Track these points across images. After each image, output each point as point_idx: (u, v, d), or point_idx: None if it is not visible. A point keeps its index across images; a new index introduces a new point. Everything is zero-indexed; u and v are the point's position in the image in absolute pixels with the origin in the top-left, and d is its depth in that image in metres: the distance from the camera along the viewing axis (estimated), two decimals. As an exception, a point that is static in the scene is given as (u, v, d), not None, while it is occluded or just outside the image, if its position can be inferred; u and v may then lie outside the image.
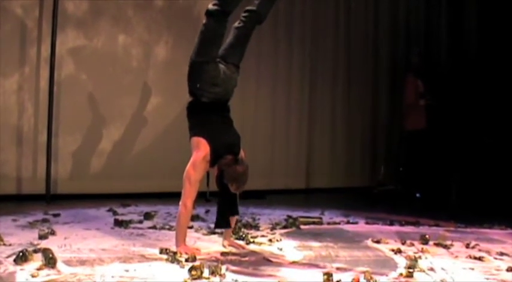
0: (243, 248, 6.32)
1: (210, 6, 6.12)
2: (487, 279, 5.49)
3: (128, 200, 9.36)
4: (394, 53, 12.86)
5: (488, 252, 6.61)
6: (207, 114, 6.17)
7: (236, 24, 6.37)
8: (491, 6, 11.97)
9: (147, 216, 8.16)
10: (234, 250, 6.23)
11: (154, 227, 7.44)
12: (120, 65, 10.34)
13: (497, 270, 5.84)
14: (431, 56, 12.70)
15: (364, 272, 5.30)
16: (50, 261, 5.24)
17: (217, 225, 6.33)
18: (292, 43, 12.02)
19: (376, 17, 12.78)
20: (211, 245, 6.51)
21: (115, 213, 8.44)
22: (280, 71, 11.85)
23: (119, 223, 7.51)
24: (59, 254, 5.57)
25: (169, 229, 7.35)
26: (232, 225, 6.43)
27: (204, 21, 6.12)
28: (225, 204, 6.22)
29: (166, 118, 10.58)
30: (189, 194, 5.97)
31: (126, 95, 10.33)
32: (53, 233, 6.70)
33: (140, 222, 7.81)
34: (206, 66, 6.08)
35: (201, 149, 5.99)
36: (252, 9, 6.38)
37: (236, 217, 6.54)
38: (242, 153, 6.21)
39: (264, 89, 11.61)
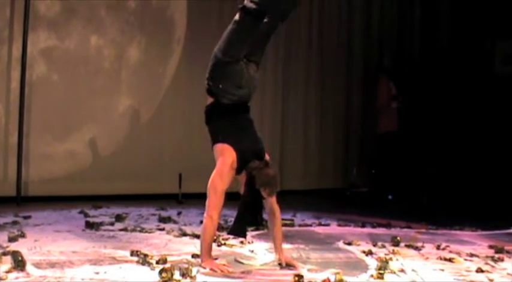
0: (296, 267, 5.71)
1: (248, 4, 5.63)
2: (457, 280, 5.52)
3: (100, 202, 9.31)
4: (366, 55, 12.89)
5: (458, 253, 6.65)
6: (230, 118, 5.74)
7: None
8: (464, 8, 12.03)
9: (119, 218, 8.11)
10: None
11: (125, 229, 7.40)
12: (92, 66, 10.28)
13: (467, 271, 5.87)
14: (403, 59, 12.74)
15: (335, 274, 5.31)
16: (19, 263, 5.19)
17: (232, 232, 5.87)
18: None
19: (349, 19, 12.80)
20: (183, 247, 6.50)
21: (86, 215, 8.39)
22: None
23: (90, 225, 7.46)
24: (29, 257, 5.53)
25: (140, 231, 7.32)
26: (280, 240, 5.93)
27: (237, 17, 5.67)
28: (247, 212, 5.68)
29: (138, 119, 10.55)
30: (214, 206, 5.56)
31: (98, 96, 10.28)
32: (23, 235, 6.65)
33: (111, 224, 7.77)
34: (233, 67, 5.67)
35: (227, 155, 5.58)
36: None
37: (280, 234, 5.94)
38: (267, 157, 5.82)
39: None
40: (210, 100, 5.86)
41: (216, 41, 11.14)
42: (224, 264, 5.53)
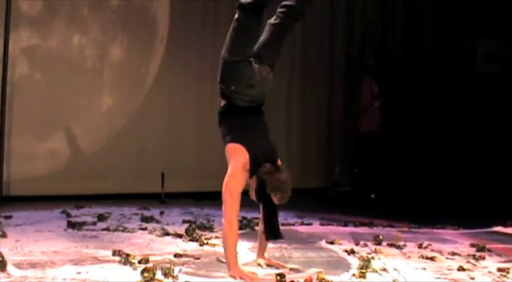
0: (283, 266, 5.72)
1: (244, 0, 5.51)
2: (438, 278, 5.55)
3: (82, 201, 9.27)
4: (349, 54, 12.88)
5: (440, 252, 6.69)
6: (243, 119, 5.60)
7: (272, 20, 5.79)
8: (447, 7, 12.05)
9: (101, 217, 8.09)
10: (189, 252, 6.19)
11: (107, 229, 7.39)
12: (75, 65, 10.24)
13: (449, 269, 5.91)
14: (386, 58, 12.75)
15: (317, 273, 5.32)
16: (0, 264, 5.17)
17: (269, 237, 5.63)
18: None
19: (332, 17, 12.79)
20: (165, 246, 6.50)
21: (68, 215, 8.36)
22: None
23: (72, 225, 7.45)
24: (10, 257, 5.51)
25: (122, 231, 7.32)
26: (265, 245, 5.90)
27: (236, 15, 5.54)
28: (271, 214, 5.50)
29: (121, 119, 10.52)
30: (232, 209, 5.34)
31: (80, 95, 10.24)
32: (4, 235, 6.63)
33: (94, 224, 7.75)
34: (241, 66, 5.53)
35: (239, 156, 5.40)
36: (290, 5, 5.75)
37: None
38: (279, 161, 5.64)
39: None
40: (222, 102, 5.76)
41: (198, 39, 11.22)
42: (253, 272, 5.39)
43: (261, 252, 5.87)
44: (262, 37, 5.73)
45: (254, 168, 5.39)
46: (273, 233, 5.53)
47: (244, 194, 5.42)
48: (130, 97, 10.64)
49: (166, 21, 10.90)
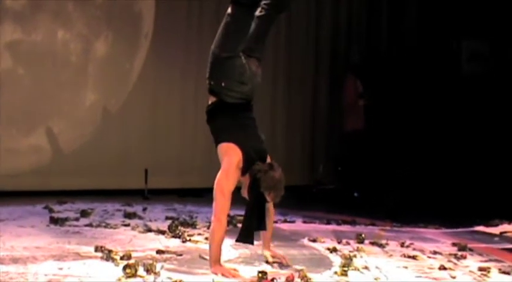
0: (287, 262, 5.72)
1: None
2: (420, 277, 5.57)
3: (65, 197, 9.25)
4: (334, 52, 12.88)
5: (422, 251, 6.71)
6: (234, 117, 5.56)
7: (257, 12, 5.60)
8: (431, 7, 12.08)
9: (84, 213, 8.09)
10: (172, 248, 6.19)
11: (90, 225, 7.40)
12: (59, 60, 10.23)
13: (430, 268, 5.93)
14: (371, 57, 12.77)
15: (299, 271, 5.33)
16: (-19, 259, 5.16)
17: (240, 239, 5.53)
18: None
19: (317, 15, 12.79)
20: (148, 243, 6.50)
21: (51, 210, 8.35)
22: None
23: (54, 221, 7.44)
24: (-8, 252, 5.51)
25: (105, 227, 7.31)
26: (269, 238, 5.87)
27: (228, 10, 5.55)
28: (254, 217, 5.50)
29: (104, 114, 10.51)
30: (222, 208, 5.32)
31: (64, 90, 10.22)
32: (-14, 230, 6.62)
33: (76, 219, 7.75)
34: (232, 62, 5.50)
35: (232, 155, 5.37)
36: None
37: (270, 232, 5.87)
38: (269, 158, 5.67)
39: (204, 84, 11.40)
40: (211, 99, 5.71)
41: (183, 36, 11.21)
42: (235, 269, 5.37)
43: (266, 244, 5.87)
44: (250, 30, 5.64)
45: (247, 166, 5.39)
46: (246, 235, 5.50)
47: (236, 191, 5.43)
48: (115, 93, 10.62)
49: (151, 18, 10.88)
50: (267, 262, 5.75)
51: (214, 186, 5.35)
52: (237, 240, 5.61)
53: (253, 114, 5.74)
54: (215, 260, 5.33)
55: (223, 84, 5.54)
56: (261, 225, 5.64)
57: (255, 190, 5.35)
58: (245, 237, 5.50)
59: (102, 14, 10.55)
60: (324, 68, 12.76)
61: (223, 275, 5.18)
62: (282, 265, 5.70)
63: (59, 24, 10.20)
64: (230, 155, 5.39)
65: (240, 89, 5.55)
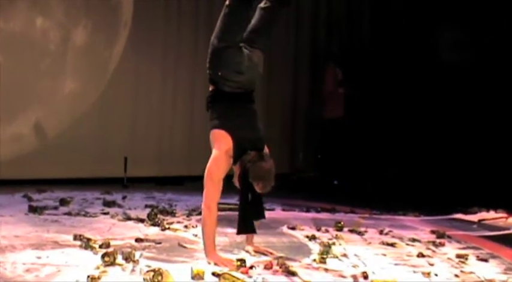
0: (271, 253, 5.69)
1: None
2: (398, 264, 5.60)
3: (44, 185, 9.22)
4: (314, 40, 12.88)
5: (400, 238, 6.75)
6: (230, 105, 5.53)
7: (262, 4, 5.68)
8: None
9: (63, 202, 8.06)
10: (151, 237, 6.18)
11: (69, 213, 7.38)
12: (38, 48, 10.17)
13: (408, 256, 5.97)
14: (351, 45, 12.77)
15: (277, 258, 5.34)
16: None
17: (239, 231, 5.60)
18: (214, 27, 11.82)
19: (297, 3, 12.77)
20: (127, 231, 6.50)
21: (30, 199, 8.33)
22: (200, 54, 11.67)
23: (33, 209, 7.41)
24: (-30, 241, 5.49)
25: (84, 215, 7.30)
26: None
27: (227, 2, 5.48)
28: (248, 206, 5.52)
29: (84, 102, 10.47)
30: (212, 195, 5.30)
31: (43, 78, 10.17)
32: (-36, 219, 6.59)
33: (55, 208, 7.73)
34: (229, 52, 5.46)
35: (222, 142, 5.36)
36: None
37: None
38: (266, 149, 5.63)
39: (184, 72, 11.45)
40: (211, 88, 5.68)
41: (162, 24, 11.19)
42: (230, 260, 5.31)
43: (249, 239, 5.86)
44: (253, 21, 5.67)
45: (238, 155, 5.37)
46: (244, 226, 5.55)
47: (227, 179, 5.44)
48: (94, 81, 10.58)
49: (130, 7, 10.84)
50: (247, 251, 5.77)
51: (205, 174, 5.33)
52: (238, 233, 5.65)
53: (254, 105, 5.70)
54: (210, 249, 5.33)
55: (220, 73, 5.52)
56: (261, 214, 5.71)
57: (246, 180, 5.34)
58: (245, 227, 5.57)
59: (81, 3, 10.49)
60: (304, 56, 12.76)
61: (217, 264, 5.17)
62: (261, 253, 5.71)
63: (37, 12, 10.14)
64: (220, 142, 5.39)
65: (237, 79, 5.52)
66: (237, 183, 5.48)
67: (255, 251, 5.74)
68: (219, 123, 5.46)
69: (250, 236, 5.83)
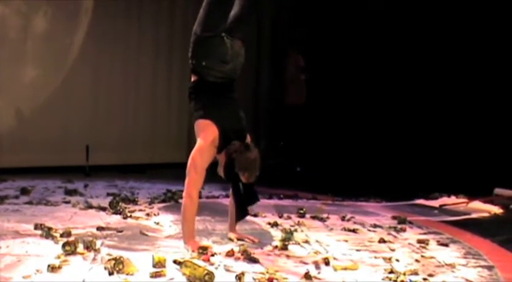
0: (254, 241, 5.74)
1: None
2: (359, 250, 5.63)
3: (5, 175, 9.13)
4: (276, 27, 12.86)
5: (362, 224, 6.81)
6: (214, 95, 5.53)
7: None
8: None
9: (24, 191, 7.99)
10: (112, 225, 6.16)
11: (30, 203, 7.31)
12: (-3, 36, 10.07)
13: (370, 241, 6.02)
14: (313, 31, 12.76)
15: (239, 246, 5.36)
16: None
17: (240, 218, 5.86)
18: (176, 13, 11.75)
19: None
20: (88, 219, 6.46)
21: (-10, 188, 8.26)
22: (161, 41, 11.64)
23: (-7, 199, 7.36)
24: None
25: (45, 204, 7.25)
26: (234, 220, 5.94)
27: None
28: (240, 194, 5.69)
29: (45, 90, 10.37)
30: (194, 184, 5.34)
31: (2, 66, 10.04)
32: None
33: (16, 197, 7.66)
34: (213, 42, 5.47)
35: (208, 132, 5.38)
36: None
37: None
38: (248, 138, 5.70)
39: (145, 59, 11.39)
40: (193, 78, 5.69)
41: (123, 11, 11.11)
42: (209, 246, 5.35)
43: (232, 226, 5.91)
44: (233, 11, 5.65)
45: (223, 144, 5.40)
46: (241, 214, 5.80)
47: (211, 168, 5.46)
48: (55, 69, 10.49)
49: (91, -7, 10.76)
50: (229, 238, 5.81)
51: (188, 162, 5.35)
52: (238, 219, 5.84)
53: (235, 94, 5.73)
54: (189, 236, 5.37)
55: (204, 63, 5.52)
56: (254, 199, 5.82)
57: (231, 170, 5.38)
58: (242, 216, 5.83)
59: (40, -11, 10.39)
60: (266, 42, 12.74)
61: (193, 251, 5.17)
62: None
63: (-4, -1, 10.03)
64: (206, 132, 5.40)
65: (222, 68, 5.54)
66: (221, 173, 5.52)
67: (237, 238, 5.78)
68: (204, 113, 5.48)
69: (232, 223, 5.90)
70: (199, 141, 5.40)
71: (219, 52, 5.50)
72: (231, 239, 5.78)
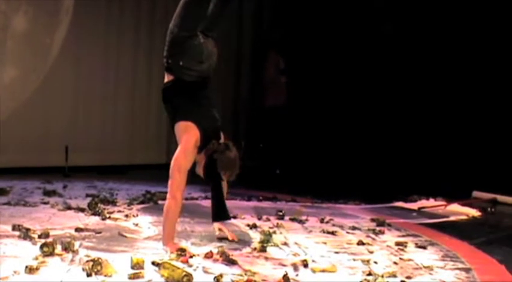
0: (234, 239, 5.80)
1: None
2: (338, 252, 5.64)
3: (-17, 175, 9.10)
4: (257, 29, 12.87)
5: (341, 226, 6.81)
6: (191, 95, 5.55)
7: None
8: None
9: (2, 192, 7.94)
10: (91, 226, 6.14)
11: (8, 203, 7.27)
12: (-24, 35, 10.02)
13: (349, 243, 6.03)
14: (293, 33, 12.77)
15: (218, 247, 5.35)
16: None
17: (217, 218, 5.89)
18: (155, 18, 11.77)
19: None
20: (67, 220, 6.44)
21: (-32, 189, 8.20)
22: (141, 41, 11.61)
23: (-29, 200, 7.32)
24: None
25: (24, 205, 7.21)
26: None
27: None
28: (220, 193, 5.84)
29: (24, 91, 10.33)
30: (178, 185, 5.33)
31: (-18, 66, 10.02)
32: None
33: (-6, 198, 7.63)
34: (191, 42, 5.49)
35: (191, 133, 5.38)
36: None
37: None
38: (222, 136, 5.74)
39: (126, 59, 11.37)
40: (168, 78, 5.67)
41: (104, 10, 11.09)
42: (186, 248, 5.34)
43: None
44: (210, 9, 5.66)
45: (204, 145, 5.44)
46: (221, 213, 5.88)
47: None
48: (35, 68, 10.45)
49: (72, -7, 10.73)
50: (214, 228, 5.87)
51: (172, 164, 5.35)
52: (215, 220, 5.88)
53: (209, 92, 5.74)
54: (168, 238, 5.37)
55: (181, 63, 5.53)
56: (225, 217, 5.99)
57: (212, 170, 5.43)
58: (222, 215, 5.90)
59: (20, -12, 10.34)
60: (246, 44, 12.74)
61: (172, 252, 5.16)
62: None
63: (-25, -1, 9.98)
64: (189, 134, 5.40)
65: (199, 68, 5.55)
66: (200, 173, 5.55)
67: (219, 229, 5.86)
68: (184, 115, 5.48)
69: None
70: (182, 143, 5.40)
71: (196, 52, 5.52)
72: (214, 228, 5.88)
